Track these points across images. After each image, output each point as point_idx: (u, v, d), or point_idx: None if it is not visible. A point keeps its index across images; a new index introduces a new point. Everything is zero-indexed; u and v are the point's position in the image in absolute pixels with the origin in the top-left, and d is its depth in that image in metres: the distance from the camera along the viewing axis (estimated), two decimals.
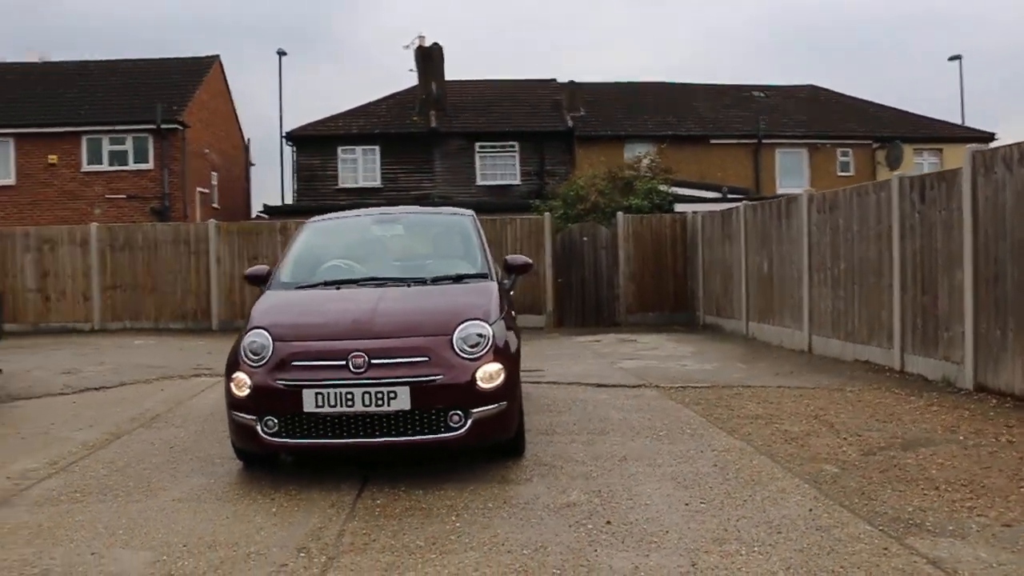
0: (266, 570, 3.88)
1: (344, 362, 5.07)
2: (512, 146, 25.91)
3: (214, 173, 26.72)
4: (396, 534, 4.30)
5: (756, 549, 3.90)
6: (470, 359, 5.18)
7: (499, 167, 26.13)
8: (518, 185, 25.66)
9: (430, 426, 5.09)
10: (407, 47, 26.94)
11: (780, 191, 23.29)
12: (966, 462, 5.28)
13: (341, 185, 25.92)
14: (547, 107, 26.96)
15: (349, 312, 5.43)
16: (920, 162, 25.59)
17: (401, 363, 5.09)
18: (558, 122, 25.79)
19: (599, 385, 8.65)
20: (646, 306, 15.61)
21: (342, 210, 21.60)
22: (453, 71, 27.52)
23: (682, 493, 4.80)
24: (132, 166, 22.87)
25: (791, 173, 25.90)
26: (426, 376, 5.06)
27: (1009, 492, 4.64)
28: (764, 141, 25.72)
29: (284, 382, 5.10)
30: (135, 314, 15.57)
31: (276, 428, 5.13)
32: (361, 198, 24.66)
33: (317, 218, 7.20)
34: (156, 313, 15.55)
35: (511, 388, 5.33)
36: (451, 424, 5.09)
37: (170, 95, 23.93)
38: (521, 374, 9.00)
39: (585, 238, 15.63)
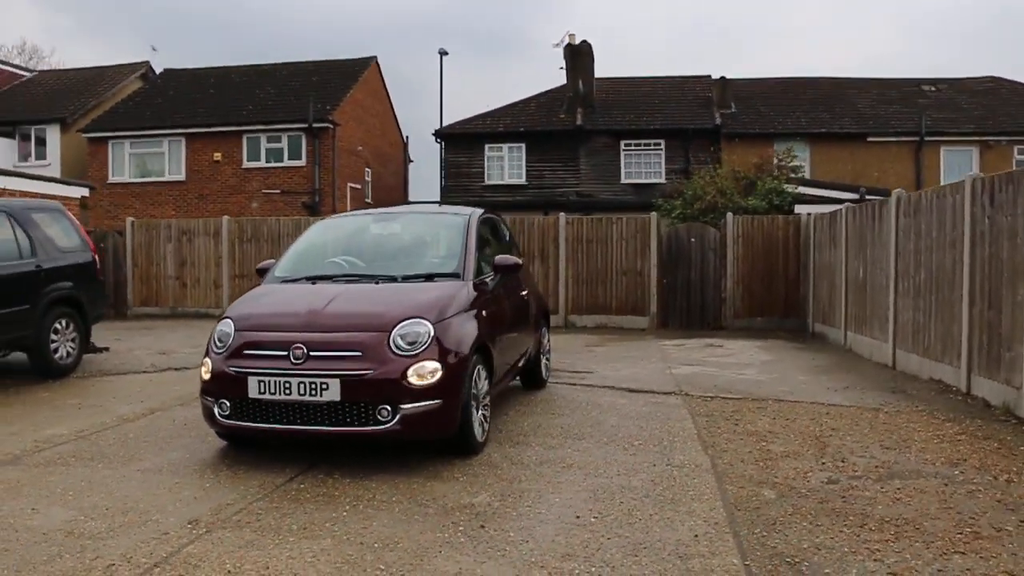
0: (148, 535, 4.25)
1: (286, 353, 5.37)
2: (658, 144, 25.51)
3: (367, 169, 28.09)
4: (284, 516, 4.54)
5: (593, 569, 3.80)
6: (405, 356, 5.32)
7: (644, 165, 25.81)
8: (663, 183, 25.18)
9: (359, 418, 5.28)
10: (557, 45, 27.13)
11: None
12: (929, 500, 4.80)
13: (487, 182, 26.55)
14: (696, 104, 26.28)
15: (305, 306, 5.71)
16: None
17: (336, 356, 5.32)
18: (706, 119, 25.09)
19: (631, 390, 8.47)
20: (754, 311, 14.97)
21: (488, 207, 22.10)
22: (623, 68, 27.23)
23: (586, 506, 4.71)
24: (286, 163, 24.50)
25: (957, 174, 23.77)
26: (356, 370, 5.26)
27: (940, 538, 4.19)
28: (928, 139, 23.83)
29: (235, 368, 5.47)
30: None
31: (228, 411, 5.52)
32: (506, 195, 25.28)
33: (329, 217, 7.57)
34: None
35: (450, 386, 5.41)
36: (379, 418, 5.25)
37: (324, 95, 25.45)
38: (568, 375, 9.23)
39: (693, 239, 15.20)
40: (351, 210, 25.85)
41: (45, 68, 37.48)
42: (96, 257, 10.09)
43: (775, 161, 18.43)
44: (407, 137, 32.44)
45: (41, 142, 25.33)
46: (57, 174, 24.51)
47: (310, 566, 3.84)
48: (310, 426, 5.34)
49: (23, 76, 30.05)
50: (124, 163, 24.65)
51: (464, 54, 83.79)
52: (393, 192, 30.82)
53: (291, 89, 26.24)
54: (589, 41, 26.21)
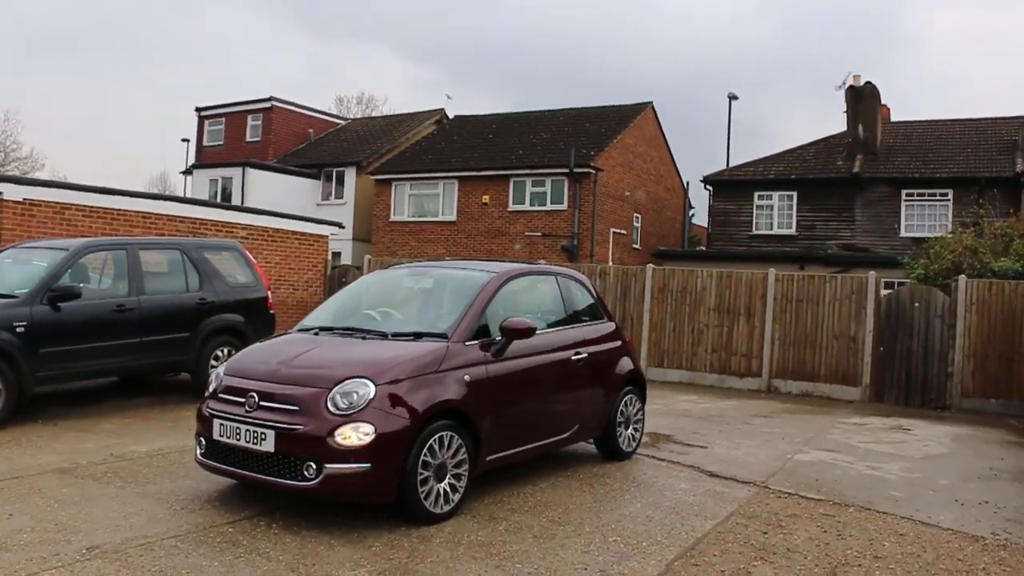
0: (42, 554, 4.78)
1: (243, 400, 5.66)
2: (945, 194, 22.74)
3: (636, 215, 28.06)
4: (167, 557, 4.84)
5: None
6: (338, 415, 5.36)
7: (928, 217, 23.12)
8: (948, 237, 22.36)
9: (289, 471, 5.41)
10: (839, 87, 25.27)
11: None
12: None
13: (755, 231, 25.44)
14: (996, 150, 22.97)
15: (279, 357, 5.97)
16: None
17: (278, 408, 5.52)
18: (1004, 167, 21.81)
19: (711, 474, 7.63)
20: (988, 391, 12.55)
21: (753, 259, 20.72)
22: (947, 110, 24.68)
23: None
24: (549, 207, 25.28)
25: None
26: (289, 424, 5.41)
27: None
28: None
29: (209, 410, 5.88)
30: None
31: (204, 449, 5.93)
32: (775, 246, 24.05)
33: (381, 270, 7.81)
34: None
35: (385, 451, 5.35)
36: (305, 474, 5.33)
37: (591, 141, 25.98)
38: (674, 447, 8.60)
39: (916, 303, 13.19)
40: (612, 255, 26.13)
41: (377, 115, 42.49)
42: (268, 294, 11.23)
43: None
44: (687, 183, 31.94)
45: (340, 182, 28.75)
46: (351, 212, 27.72)
47: None
48: (252, 472, 5.58)
49: (338, 124, 34.43)
50: (404, 203, 27.09)
51: (787, 93, 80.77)
52: (668, 239, 30.49)
53: (563, 135, 27.12)
54: (874, 83, 24.06)
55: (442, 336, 6.09)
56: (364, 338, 6.22)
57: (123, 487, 6.27)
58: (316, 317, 6.96)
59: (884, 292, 13.77)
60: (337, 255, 26.34)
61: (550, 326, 7.27)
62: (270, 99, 32.27)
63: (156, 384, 11.14)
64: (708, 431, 9.90)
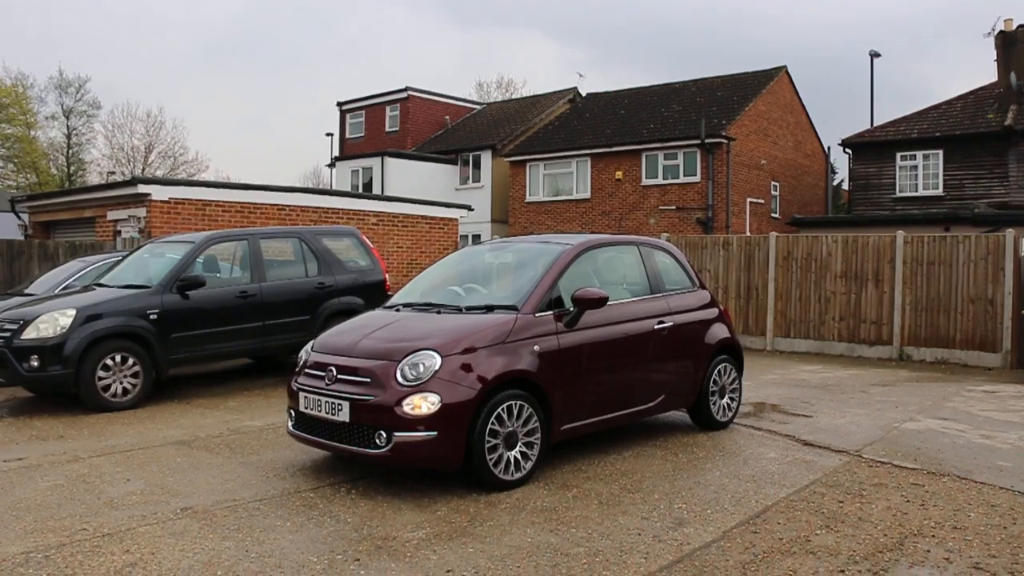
0: (142, 513, 5.31)
1: (323, 374, 6.04)
2: None
3: (774, 183, 27.12)
4: (249, 517, 5.27)
5: None
6: (407, 385, 5.62)
7: None
8: None
9: (362, 440, 5.73)
10: (988, 34, 23.31)
11: None
12: None
13: (899, 194, 24.04)
14: None
15: (360, 333, 6.29)
16: None
17: (353, 381, 5.85)
18: None
19: (806, 443, 7.40)
20: None
21: (893, 222, 19.76)
22: None
23: (466, 563, 4.57)
24: (682, 179, 24.84)
25: None
26: (362, 395, 5.73)
27: None
28: None
29: (296, 384, 6.31)
30: None
31: (294, 421, 6.36)
32: (921, 208, 22.71)
33: (463, 249, 8.04)
34: None
35: (451, 420, 5.56)
36: (377, 442, 5.63)
37: (722, 111, 25.28)
38: (778, 416, 8.44)
39: None
40: (750, 225, 25.40)
41: (518, 97, 42.95)
42: (386, 276, 11.72)
43: None
44: (829, 148, 30.50)
45: (476, 166, 29.31)
46: (488, 195, 28.24)
47: (185, 558, 4.48)
48: (331, 441, 5.95)
49: (474, 109, 35.03)
50: (539, 183, 27.32)
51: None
52: (811, 206, 29.30)
53: (694, 106, 26.54)
54: None
55: (512, 308, 6.23)
56: (439, 312, 6.45)
57: (230, 457, 6.82)
58: (402, 295, 7.26)
59: None
60: (477, 237, 26.96)
61: (633, 296, 7.26)
62: (406, 89, 33.30)
63: (287, 365, 11.89)
64: (818, 400, 9.57)
